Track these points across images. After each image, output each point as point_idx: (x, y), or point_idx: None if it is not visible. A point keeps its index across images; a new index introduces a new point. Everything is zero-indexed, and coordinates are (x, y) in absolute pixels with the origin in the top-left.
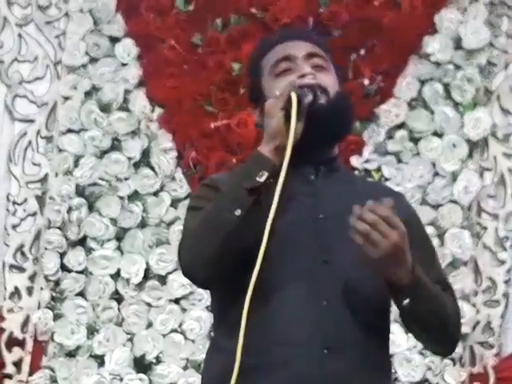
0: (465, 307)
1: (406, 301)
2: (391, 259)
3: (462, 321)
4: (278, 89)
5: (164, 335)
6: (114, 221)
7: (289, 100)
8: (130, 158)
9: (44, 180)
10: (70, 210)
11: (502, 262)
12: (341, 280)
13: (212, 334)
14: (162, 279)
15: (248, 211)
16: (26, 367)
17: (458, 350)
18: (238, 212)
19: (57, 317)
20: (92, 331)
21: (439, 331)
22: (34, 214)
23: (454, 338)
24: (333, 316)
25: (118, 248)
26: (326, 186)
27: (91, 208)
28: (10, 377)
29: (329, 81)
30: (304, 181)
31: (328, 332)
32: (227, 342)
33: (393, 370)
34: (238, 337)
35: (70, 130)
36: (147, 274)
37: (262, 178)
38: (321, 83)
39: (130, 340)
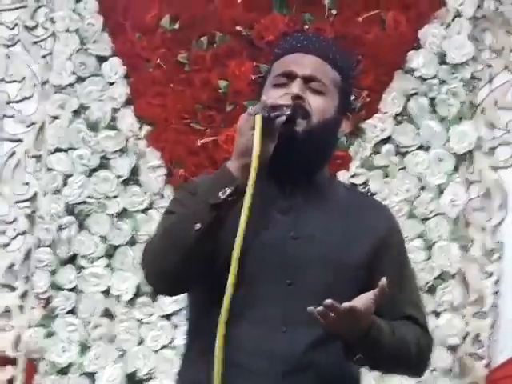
0: (454, 319)
1: (357, 357)
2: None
3: (452, 332)
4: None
5: (156, 351)
6: (103, 238)
7: (265, 120)
8: (118, 176)
9: (33, 199)
10: (59, 228)
11: (490, 274)
12: (303, 303)
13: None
14: (153, 296)
15: (209, 227)
16: None
17: (449, 361)
18: (197, 226)
19: (48, 335)
20: (83, 349)
21: (400, 369)
22: (23, 233)
23: (418, 370)
24: (289, 343)
25: (109, 265)
26: (303, 202)
27: (81, 226)
28: None
29: (318, 106)
30: (281, 196)
31: (283, 359)
32: (198, 359)
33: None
34: (208, 354)
35: (58, 149)
36: (138, 291)
37: (225, 194)
38: (305, 106)
39: (122, 357)
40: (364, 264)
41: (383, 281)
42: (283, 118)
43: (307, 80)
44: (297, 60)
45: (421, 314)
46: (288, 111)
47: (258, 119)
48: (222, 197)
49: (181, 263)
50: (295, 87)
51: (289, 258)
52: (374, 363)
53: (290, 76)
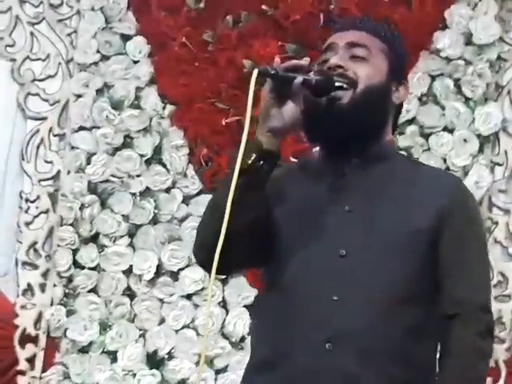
0: None
1: None
2: None
3: None
4: None
5: (176, 331)
6: (126, 217)
7: (282, 82)
8: (141, 155)
9: (56, 177)
10: (82, 207)
11: None
12: (356, 274)
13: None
14: (174, 275)
15: (242, 194)
16: (39, 363)
17: None
18: None
19: (69, 313)
20: (105, 327)
21: None
22: (46, 212)
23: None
24: (341, 311)
25: (131, 244)
26: (358, 179)
27: (103, 205)
28: (23, 373)
29: (363, 73)
30: (336, 173)
31: (332, 327)
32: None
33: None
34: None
35: (82, 128)
36: (159, 271)
37: (251, 159)
38: (349, 75)
39: (143, 336)
40: (424, 234)
41: None
42: (300, 79)
43: (350, 46)
44: (338, 34)
45: (479, 295)
46: (311, 76)
47: (254, 73)
48: (249, 162)
49: (216, 231)
50: (334, 58)
51: (343, 230)
52: None
53: (332, 48)
